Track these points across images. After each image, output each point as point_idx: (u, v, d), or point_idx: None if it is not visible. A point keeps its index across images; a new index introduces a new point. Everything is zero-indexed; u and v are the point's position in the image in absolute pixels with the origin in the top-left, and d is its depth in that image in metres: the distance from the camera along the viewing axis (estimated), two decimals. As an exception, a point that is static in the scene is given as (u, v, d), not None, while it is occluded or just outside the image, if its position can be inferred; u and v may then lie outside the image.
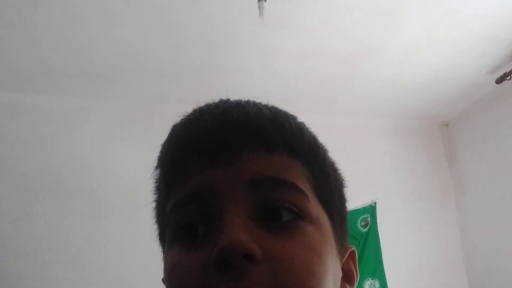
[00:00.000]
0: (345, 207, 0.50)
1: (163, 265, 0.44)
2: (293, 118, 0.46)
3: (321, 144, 0.48)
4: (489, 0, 2.37)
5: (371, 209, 3.22)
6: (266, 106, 0.46)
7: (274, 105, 0.47)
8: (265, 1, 1.98)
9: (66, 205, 2.87)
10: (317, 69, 2.89)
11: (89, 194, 2.93)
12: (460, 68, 2.96)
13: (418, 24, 2.53)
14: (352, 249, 0.49)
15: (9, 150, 2.87)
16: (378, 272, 3.08)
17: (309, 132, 0.47)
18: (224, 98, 0.48)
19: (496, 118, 3.18)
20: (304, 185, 0.42)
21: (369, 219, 3.19)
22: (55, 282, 2.71)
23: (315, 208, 0.42)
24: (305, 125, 0.47)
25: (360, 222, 3.18)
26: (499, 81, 2.99)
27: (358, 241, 3.13)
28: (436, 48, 2.74)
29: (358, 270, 0.49)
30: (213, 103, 0.47)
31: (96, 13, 2.33)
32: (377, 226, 3.18)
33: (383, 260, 3.11)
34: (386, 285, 3.06)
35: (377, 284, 3.06)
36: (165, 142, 0.46)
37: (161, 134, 0.50)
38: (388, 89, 3.17)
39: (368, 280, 3.06)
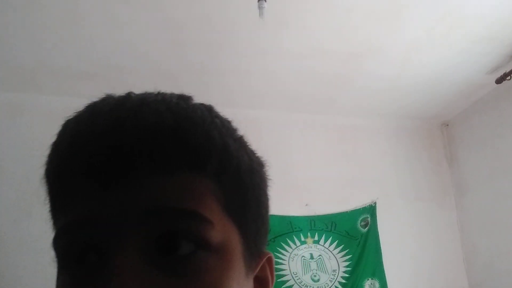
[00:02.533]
0: (265, 210, 0.43)
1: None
2: (203, 121, 0.38)
3: (236, 148, 0.40)
4: (489, 0, 2.37)
5: (371, 209, 3.22)
6: (170, 109, 0.38)
7: (182, 102, 0.41)
8: (265, 1, 1.98)
9: (66, 205, 2.87)
10: (317, 69, 2.89)
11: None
12: (460, 68, 2.96)
13: (418, 24, 2.53)
14: (268, 255, 0.44)
15: (9, 150, 2.87)
16: (378, 272, 3.08)
17: (221, 138, 0.38)
18: (123, 94, 0.41)
19: (496, 118, 3.18)
20: (210, 206, 0.36)
21: (369, 219, 3.19)
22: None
23: (221, 230, 0.37)
24: (217, 126, 0.39)
25: (360, 222, 3.19)
26: (499, 81, 2.99)
27: (358, 241, 3.13)
28: (436, 48, 2.74)
29: (274, 274, 0.45)
30: (109, 102, 0.40)
31: (97, 13, 2.33)
32: (377, 226, 3.18)
33: (383, 260, 3.11)
34: (386, 285, 3.06)
35: (377, 284, 3.06)
36: (53, 145, 0.40)
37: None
38: (388, 89, 3.17)
39: (368, 280, 3.06)
